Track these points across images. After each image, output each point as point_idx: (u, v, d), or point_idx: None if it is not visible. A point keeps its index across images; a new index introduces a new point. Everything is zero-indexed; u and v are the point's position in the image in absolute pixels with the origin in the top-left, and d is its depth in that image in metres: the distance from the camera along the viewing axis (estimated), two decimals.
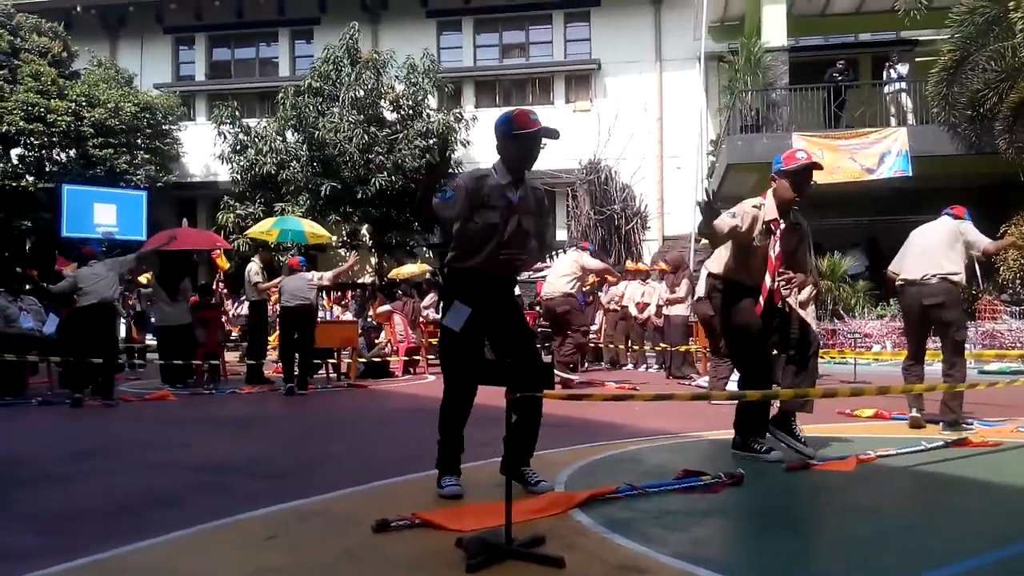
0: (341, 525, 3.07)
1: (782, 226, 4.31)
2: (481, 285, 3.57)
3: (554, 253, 11.23)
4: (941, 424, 5.43)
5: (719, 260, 4.62)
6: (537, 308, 12.78)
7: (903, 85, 15.60)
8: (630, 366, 12.62)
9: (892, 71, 15.81)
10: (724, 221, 4.28)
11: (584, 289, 9.33)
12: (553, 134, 3.52)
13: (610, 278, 10.93)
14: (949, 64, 13.83)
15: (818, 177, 14.28)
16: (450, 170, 19.36)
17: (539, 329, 11.89)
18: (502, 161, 3.59)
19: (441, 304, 3.77)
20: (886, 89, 15.93)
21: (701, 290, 7.70)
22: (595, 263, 9.29)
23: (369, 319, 12.64)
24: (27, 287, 9.92)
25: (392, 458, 4.66)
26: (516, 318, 3.71)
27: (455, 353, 3.57)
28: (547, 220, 3.87)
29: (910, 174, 14.04)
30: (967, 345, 11.59)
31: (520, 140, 3.51)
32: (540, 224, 3.74)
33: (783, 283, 4.38)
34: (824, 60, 16.89)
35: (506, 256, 3.56)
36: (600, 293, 13.42)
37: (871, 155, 14.40)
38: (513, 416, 3.26)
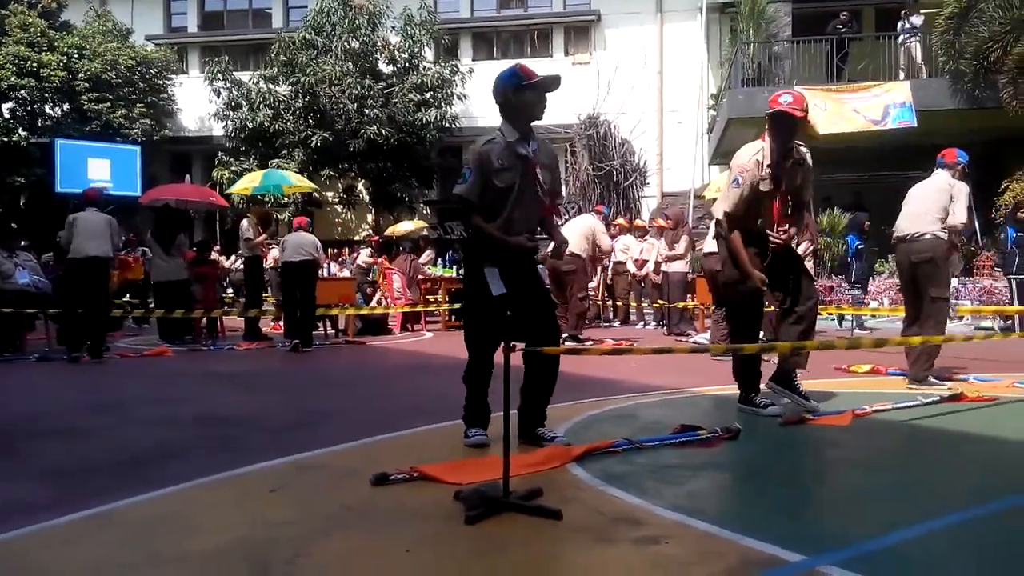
0: (341, 478, 3.10)
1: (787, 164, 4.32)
2: (505, 247, 3.52)
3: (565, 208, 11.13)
4: (909, 379, 5.46)
5: (722, 204, 4.54)
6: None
7: (910, 36, 15.29)
8: (617, 324, 12.63)
9: (906, 22, 15.46)
10: (732, 194, 4.28)
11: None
12: (557, 82, 3.53)
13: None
14: (956, 12, 13.58)
15: (823, 127, 13.86)
16: (447, 125, 19.18)
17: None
18: (508, 119, 3.58)
19: (464, 271, 3.77)
20: (900, 40, 15.61)
21: (710, 244, 7.64)
22: (606, 242, 9.27)
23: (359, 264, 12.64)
24: (23, 243, 9.87)
25: (391, 413, 4.68)
26: (536, 282, 3.71)
27: (483, 312, 3.53)
28: (557, 173, 3.84)
29: (915, 124, 13.86)
30: (966, 301, 11.62)
31: (530, 90, 3.50)
32: (553, 178, 3.73)
33: (778, 235, 4.37)
34: (828, 12, 16.58)
35: (527, 214, 3.57)
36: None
37: (875, 107, 14.20)
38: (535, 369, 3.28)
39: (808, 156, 4.46)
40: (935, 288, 5.40)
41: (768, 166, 4.28)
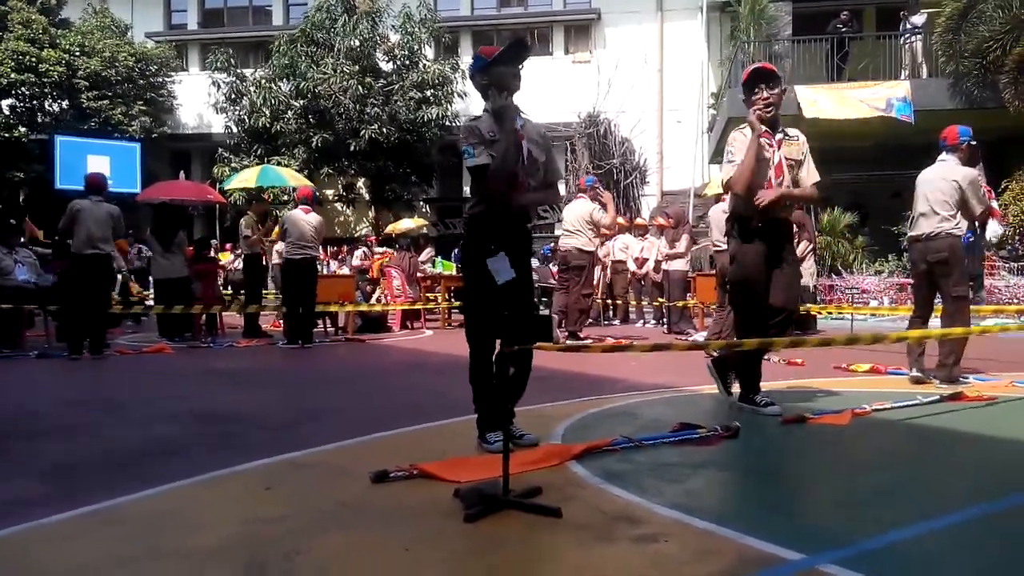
0: (339, 476, 3.10)
1: (777, 137, 4.38)
2: (501, 229, 3.48)
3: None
4: (935, 379, 5.46)
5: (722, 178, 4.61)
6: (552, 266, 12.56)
7: (911, 36, 15.28)
8: (617, 323, 12.62)
9: (907, 22, 15.45)
10: (727, 167, 4.38)
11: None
12: (520, 47, 3.52)
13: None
14: (955, 12, 13.60)
15: (829, 114, 13.82)
16: (448, 123, 19.18)
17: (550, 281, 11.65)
18: (491, 99, 3.58)
19: (462, 258, 3.70)
20: (902, 39, 15.61)
21: (721, 241, 7.60)
22: (606, 218, 9.04)
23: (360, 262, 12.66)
24: (22, 240, 9.84)
25: (391, 410, 4.68)
26: (526, 275, 3.63)
27: (480, 305, 3.48)
28: (553, 157, 3.82)
29: (913, 122, 13.85)
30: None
31: (495, 66, 3.49)
32: (548, 157, 3.70)
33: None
34: (828, 11, 16.58)
35: (521, 188, 3.49)
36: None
37: (878, 98, 14.21)
38: (510, 369, 3.27)
39: (803, 139, 4.52)
40: (955, 287, 5.40)
41: (758, 136, 4.34)
